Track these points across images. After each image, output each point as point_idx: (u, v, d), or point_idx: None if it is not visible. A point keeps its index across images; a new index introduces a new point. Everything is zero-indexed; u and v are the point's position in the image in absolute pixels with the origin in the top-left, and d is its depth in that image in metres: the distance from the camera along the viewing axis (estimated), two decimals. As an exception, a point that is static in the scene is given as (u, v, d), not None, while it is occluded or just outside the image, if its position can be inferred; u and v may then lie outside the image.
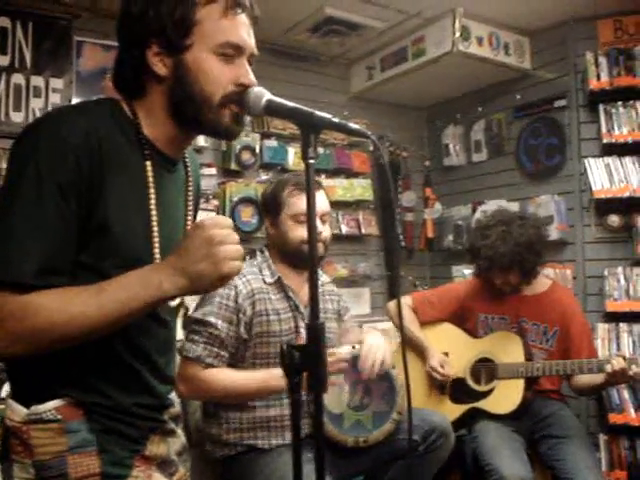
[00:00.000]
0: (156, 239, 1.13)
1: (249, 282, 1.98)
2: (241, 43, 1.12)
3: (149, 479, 1.17)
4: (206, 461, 2.17)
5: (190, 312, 2.02)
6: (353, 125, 1.12)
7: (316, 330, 1.05)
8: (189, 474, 1.32)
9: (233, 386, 1.94)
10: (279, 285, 2.03)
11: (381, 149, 1.10)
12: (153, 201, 1.13)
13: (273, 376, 1.92)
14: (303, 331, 2.09)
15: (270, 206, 2.08)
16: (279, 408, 1.99)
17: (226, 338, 1.93)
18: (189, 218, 1.29)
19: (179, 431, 1.32)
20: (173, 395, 1.32)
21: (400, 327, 1.46)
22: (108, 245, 1.07)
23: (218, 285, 1.06)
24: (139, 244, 1.11)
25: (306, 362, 1.05)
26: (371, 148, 3.68)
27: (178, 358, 2.08)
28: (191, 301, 2.80)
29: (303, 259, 2.02)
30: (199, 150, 3.12)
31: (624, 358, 2.20)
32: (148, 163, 1.13)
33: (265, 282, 2.01)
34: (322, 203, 2.06)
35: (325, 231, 2.06)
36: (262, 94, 1.12)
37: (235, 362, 1.99)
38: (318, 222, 2.02)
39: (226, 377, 1.94)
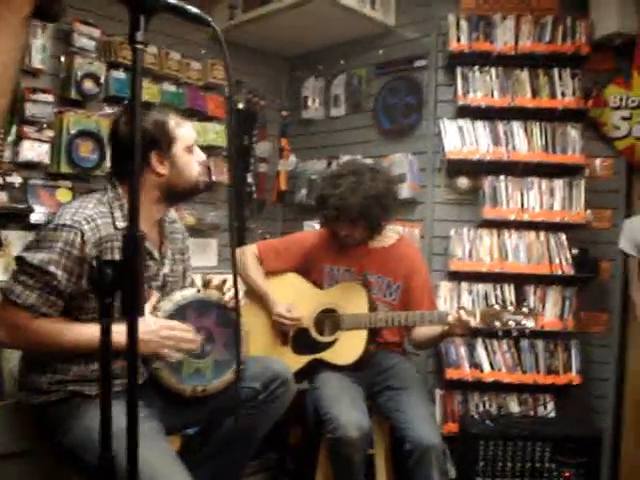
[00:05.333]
0: None
1: (98, 228, 1.73)
2: None
3: None
4: (20, 410, 1.95)
5: (22, 251, 1.73)
6: (192, 9, 0.96)
7: (133, 242, 0.89)
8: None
9: (66, 339, 1.71)
10: None
11: (232, 83, 0.98)
12: None
13: (116, 331, 1.72)
14: (153, 282, 1.93)
15: (159, 142, 1.83)
16: (116, 362, 1.80)
17: (65, 289, 1.69)
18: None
19: None
20: None
21: (234, 276, 1.33)
22: None
23: None
24: None
25: (120, 280, 0.90)
26: (227, 91, 3.49)
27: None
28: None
29: (197, 192, 1.95)
30: (35, 73, 2.78)
31: (465, 310, 2.24)
32: None
33: (116, 227, 1.77)
34: (193, 131, 1.96)
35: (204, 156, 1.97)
36: None
37: (73, 312, 1.77)
38: (197, 149, 1.93)
39: (60, 329, 1.72)
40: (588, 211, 3.00)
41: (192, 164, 1.91)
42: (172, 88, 3.26)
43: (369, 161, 3.04)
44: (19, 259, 1.71)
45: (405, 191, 3.22)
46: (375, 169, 2.53)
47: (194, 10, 0.95)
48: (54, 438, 1.83)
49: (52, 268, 1.67)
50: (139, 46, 0.92)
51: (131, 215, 0.89)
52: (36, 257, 1.68)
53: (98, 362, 1.75)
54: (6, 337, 1.73)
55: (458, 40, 3.10)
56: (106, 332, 0.92)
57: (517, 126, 3.06)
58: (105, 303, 0.91)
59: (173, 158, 1.87)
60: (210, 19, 0.96)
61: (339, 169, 2.54)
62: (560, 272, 2.96)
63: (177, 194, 1.93)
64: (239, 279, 2.27)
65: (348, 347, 2.44)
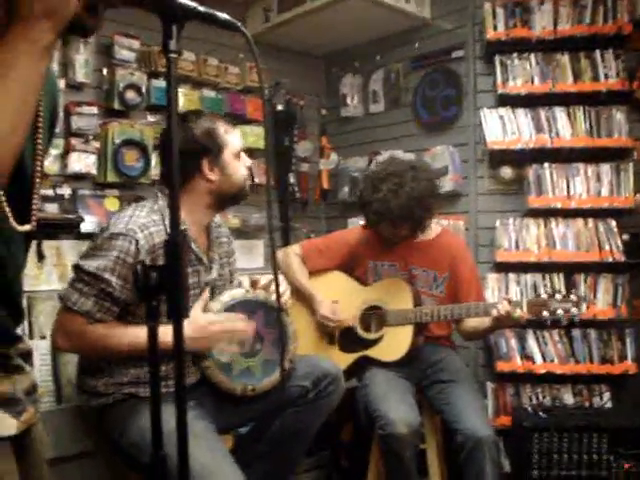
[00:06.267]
0: None
1: (152, 236, 1.79)
2: None
3: None
4: (78, 413, 2.02)
5: (79, 259, 1.80)
6: (222, 15, 0.98)
7: (176, 246, 0.92)
8: (39, 416, 1.17)
9: (122, 342, 1.78)
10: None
11: (264, 86, 0.99)
12: None
13: (165, 333, 1.75)
14: (202, 286, 1.97)
15: (209, 148, 1.90)
16: (168, 363, 1.85)
17: (120, 296, 1.76)
18: (39, 138, 1.10)
19: (28, 368, 1.16)
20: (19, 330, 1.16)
21: (274, 276, 1.34)
22: None
23: None
24: None
25: (164, 283, 0.93)
26: (264, 93, 3.53)
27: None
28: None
29: (243, 197, 2.02)
30: (79, 87, 2.86)
31: (509, 301, 2.21)
32: None
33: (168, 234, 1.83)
34: (240, 137, 2.03)
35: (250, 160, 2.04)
36: None
37: (127, 317, 1.83)
38: (242, 154, 1.99)
39: (115, 333, 1.78)
40: (638, 195, 2.92)
41: (240, 169, 1.97)
42: (212, 94, 3.30)
43: (409, 156, 3.02)
44: (76, 267, 1.78)
45: (448, 184, 3.20)
46: (415, 167, 2.49)
47: (223, 16, 0.97)
48: (112, 439, 1.89)
49: (107, 275, 1.73)
50: (172, 55, 0.94)
51: (173, 219, 0.92)
52: (92, 265, 1.74)
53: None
54: (64, 342, 1.80)
55: (495, 28, 3.06)
56: (152, 334, 0.94)
57: (560, 112, 2.99)
58: (151, 306, 0.93)
59: (223, 164, 1.92)
60: (239, 24, 0.97)
61: (378, 170, 2.50)
62: (611, 259, 2.89)
63: (226, 199, 1.99)
64: (285, 279, 2.32)
65: (395, 343, 2.44)
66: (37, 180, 1.08)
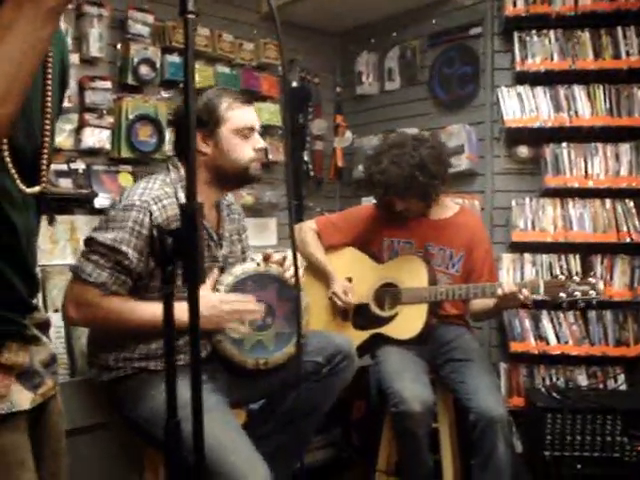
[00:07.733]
0: None
1: (165, 209, 1.77)
2: None
3: (6, 390, 0.99)
4: (91, 386, 2.03)
5: (92, 232, 1.80)
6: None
7: (192, 212, 0.90)
8: (59, 388, 1.16)
9: (134, 317, 1.78)
10: None
11: (285, 60, 0.98)
12: None
13: (180, 309, 1.74)
14: (214, 263, 1.95)
15: (204, 121, 1.86)
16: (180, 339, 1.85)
17: (135, 268, 1.74)
18: (48, 99, 1.07)
19: (45, 339, 1.14)
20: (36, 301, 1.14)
21: (293, 252, 1.33)
22: None
23: None
24: None
25: (180, 249, 0.91)
26: (280, 69, 3.49)
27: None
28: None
29: (248, 179, 1.95)
30: (92, 61, 2.84)
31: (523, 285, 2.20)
32: None
33: None
34: (255, 117, 1.97)
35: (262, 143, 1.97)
36: None
37: (140, 291, 1.83)
38: (256, 135, 1.94)
39: (130, 308, 1.78)
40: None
41: (242, 148, 1.91)
42: (226, 70, 3.27)
43: (415, 131, 2.97)
44: (89, 239, 1.77)
45: (464, 163, 3.16)
46: (418, 138, 2.48)
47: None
48: (123, 412, 1.90)
49: (124, 247, 1.72)
50: (191, 16, 0.92)
51: (189, 188, 0.90)
52: (108, 237, 1.73)
53: (160, 339, 1.81)
54: (76, 314, 1.79)
55: (514, 4, 3.00)
56: (169, 301, 0.93)
57: (579, 90, 2.94)
58: (167, 271, 0.92)
59: (217, 138, 1.89)
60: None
61: (381, 144, 2.51)
62: (628, 240, 2.85)
63: (227, 177, 1.94)
64: (299, 255, 2.30)
65: (409, 321, 2.42)
66: (46, 142, 1.05)
